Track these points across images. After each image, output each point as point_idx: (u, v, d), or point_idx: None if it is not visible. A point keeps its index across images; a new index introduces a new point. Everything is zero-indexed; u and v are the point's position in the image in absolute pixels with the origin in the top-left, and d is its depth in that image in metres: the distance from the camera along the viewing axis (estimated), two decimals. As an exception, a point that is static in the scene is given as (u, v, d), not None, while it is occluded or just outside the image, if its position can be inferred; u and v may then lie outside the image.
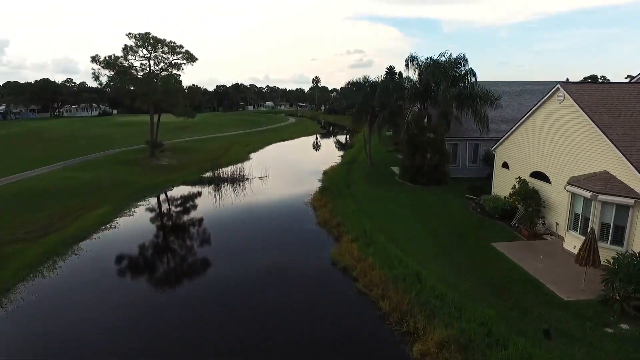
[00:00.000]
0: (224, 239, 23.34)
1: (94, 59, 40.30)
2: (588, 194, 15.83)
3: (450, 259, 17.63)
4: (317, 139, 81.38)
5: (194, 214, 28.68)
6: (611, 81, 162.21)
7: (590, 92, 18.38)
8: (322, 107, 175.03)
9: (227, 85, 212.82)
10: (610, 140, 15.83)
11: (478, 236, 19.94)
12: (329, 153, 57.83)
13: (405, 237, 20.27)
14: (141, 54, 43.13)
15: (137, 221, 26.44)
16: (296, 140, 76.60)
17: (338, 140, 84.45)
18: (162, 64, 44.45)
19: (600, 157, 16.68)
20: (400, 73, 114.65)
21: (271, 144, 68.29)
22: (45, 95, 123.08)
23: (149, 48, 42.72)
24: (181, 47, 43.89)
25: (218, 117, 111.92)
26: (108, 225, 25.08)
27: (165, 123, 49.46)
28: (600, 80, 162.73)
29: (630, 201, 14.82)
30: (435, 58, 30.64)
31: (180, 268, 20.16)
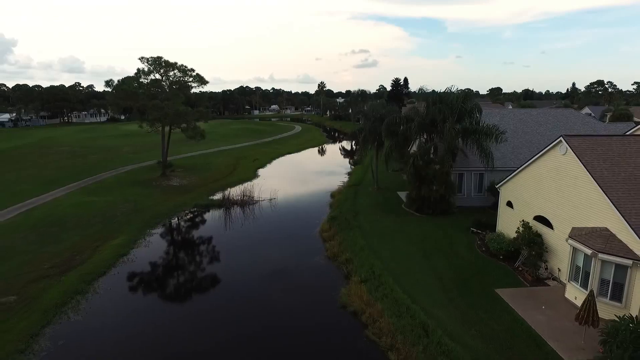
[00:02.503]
0: (235, 275, 24.17)
1: (108, 83, 41.41)
2: (589, 251, 16.55)
3: (456, 307, 18.38)
4: (323, 150, 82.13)
5: (204, 247, 29.49)
6: (617, 88, 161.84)
7: (592, 146, 19.08)
8: (328, 113, 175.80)
9: (233, 88, 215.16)
10: (610, 201, 16.54)
11: (482, 280, 20.67)
12: (335, 171, 58.58)
13: (412, 280, 21.02)
14: (152, 77, 44.27)
15: (151, 253, 27.37)
16: (303, 152, 77.43)
17: (344, 148, 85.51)
18: (173, 86, 45.50)
19: (601, 213, 17.38)
20: (406, 80, 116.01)
21: (278, 157, 69.18)
22: (55, 102, 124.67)
23: (161, 71, 43.78)
24: (192, 70, 45.01)
25: (224, 126, 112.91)
26: (125, 258, 26.10)
27: (173, 133, 50.33)
28: (607, 86, 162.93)
29: (629, 262, 15.53)
30: (442, 91, 31.47)
31: (193, 307, 21.01)
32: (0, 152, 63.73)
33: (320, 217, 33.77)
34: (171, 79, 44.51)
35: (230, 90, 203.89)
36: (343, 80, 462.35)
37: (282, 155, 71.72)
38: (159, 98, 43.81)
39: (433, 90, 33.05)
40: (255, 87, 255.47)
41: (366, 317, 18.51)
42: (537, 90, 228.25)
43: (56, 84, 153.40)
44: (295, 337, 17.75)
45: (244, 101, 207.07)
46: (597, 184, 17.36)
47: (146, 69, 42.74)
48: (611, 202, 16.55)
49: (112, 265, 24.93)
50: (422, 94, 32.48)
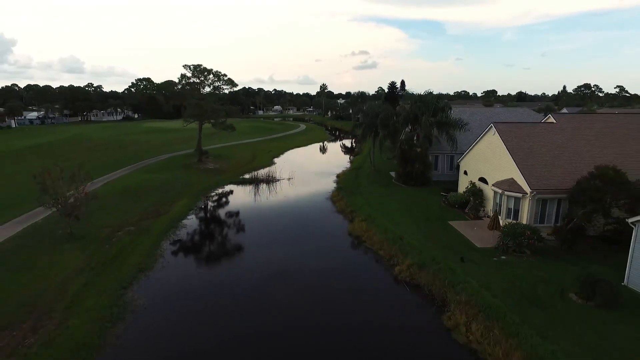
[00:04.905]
0: (273, 224, 34.76)
1: (160, 87, 51.81)
2: (500, 191, 27.15)
3: (422, 232, 28.88)
4: (327, 145, 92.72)
5: (245, 204, 40.06)
6: (603, 91, 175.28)
7: (511, 129, 29.68)
8: (329, 113, 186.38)
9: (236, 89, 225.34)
10: (514, 161, 27.13)
11: (442, 219, 31.23)
12: (339, 161, 69.09)
13: (396, 220, 31.50)
14: (192, 81, 54.85)
15: (209, 207, 38.10)
16: (309, 146, 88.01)
17: (344, 145, 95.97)
18: (208, 88, 56.10)
19: (510, 170, 27.91)
20: (403, 83, 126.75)
21: (289, 150, 79.71)
22: (77, 102, 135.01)
23: (200, 76, 54.35)
24: (225, 75, 55.60)
25: (236, 124, 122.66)
26: (193, 210, 36.72)
27: (193, 130, 60.88)
28: (593, 89, 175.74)
29: (520, 195, 26.12)
30: (422, 93, 42.24)
31: (243, 242, 31.47)
32: (50, 143, 74.09)
33: (330, 190, 44.28)
34: (208, 82, 55.06)
35: (235, 91, 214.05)
36: (343, 81, 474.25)
37: (292, 148, 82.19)
38: (195, 98, 54.35)
39: (431, 92, 43.72)
40: (257, 89, 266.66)
41: (365, 237, 29.07)
42: (534, 93, 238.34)
43: (64, 84, 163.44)
44: (319, 243, 28.36)
45: (248, 102, 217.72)
46: (509, 152, 27.93)
47: (188, 74, 53.31)
48: (515, 162, 27.15)
49: (186, 214, 35.52)
50: (408, 95, 43.10)
